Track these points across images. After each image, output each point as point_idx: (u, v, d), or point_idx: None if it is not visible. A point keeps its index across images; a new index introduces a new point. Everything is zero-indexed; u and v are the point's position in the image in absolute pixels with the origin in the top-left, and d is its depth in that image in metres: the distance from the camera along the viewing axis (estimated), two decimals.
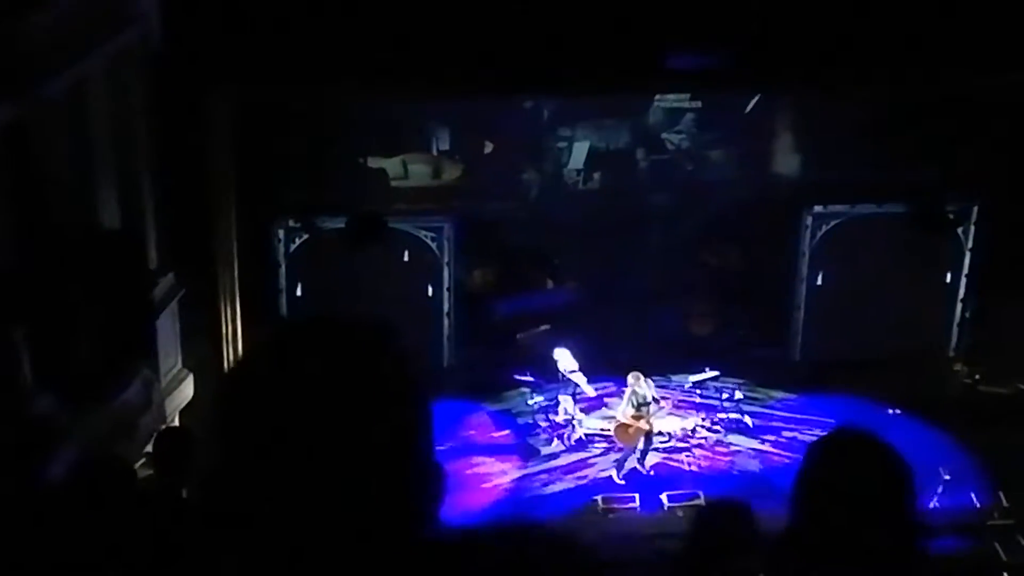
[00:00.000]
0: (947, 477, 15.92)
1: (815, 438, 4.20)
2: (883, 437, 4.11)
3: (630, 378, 17.07)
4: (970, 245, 18.95)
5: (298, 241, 18.01)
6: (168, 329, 14.72)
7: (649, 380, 17.21)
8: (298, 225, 17.88)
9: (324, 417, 2.11)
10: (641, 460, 17.02)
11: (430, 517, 2.23)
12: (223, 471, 2.16)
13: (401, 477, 2.16)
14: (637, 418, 16.86)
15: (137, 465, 10.56)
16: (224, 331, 15.55)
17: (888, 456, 4.06)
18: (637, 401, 16.87)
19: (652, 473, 16.96)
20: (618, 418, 17.06)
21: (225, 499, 2.16)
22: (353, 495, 2.11)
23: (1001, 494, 16.22)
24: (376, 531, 2.14)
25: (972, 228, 18.87)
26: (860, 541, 3.96)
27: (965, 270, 19.12)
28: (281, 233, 17.97)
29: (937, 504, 15.64)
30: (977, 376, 18.87)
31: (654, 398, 17.05)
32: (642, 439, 16.95)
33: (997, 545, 15.29)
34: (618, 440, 17.17)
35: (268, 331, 2.42)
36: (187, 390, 14.91)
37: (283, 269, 18.00)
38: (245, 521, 2.12)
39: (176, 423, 14.45)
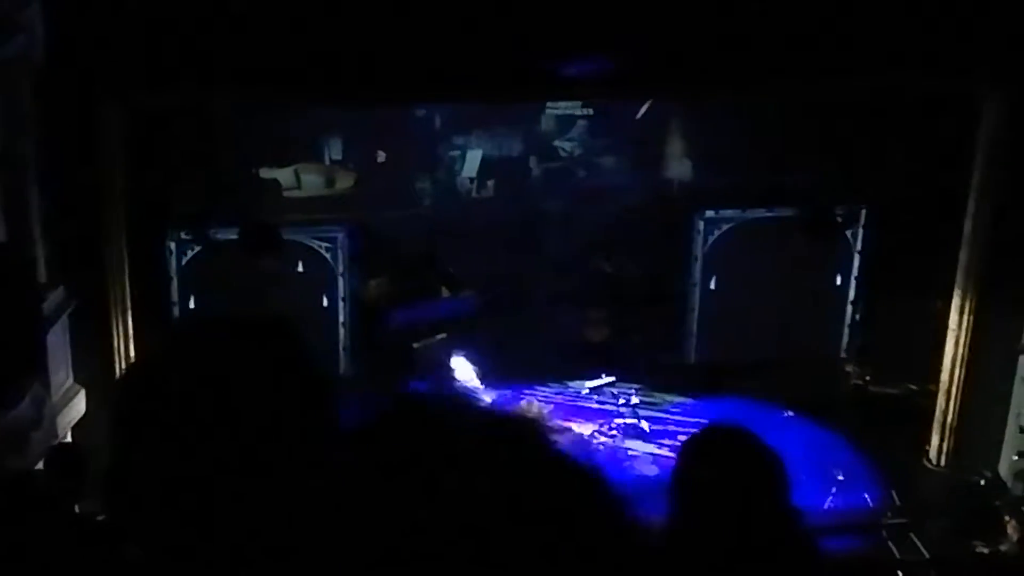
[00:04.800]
0: (841, 477, 16.15)
1: (687, 438, 4.25)
2: (753, 432, 4.15)
3: (523, 403, 17.16)
4: (859, 247, 19.21)
5: (190, 253, 17.81)
6: (59, 344, 14.47)
7: (541, 407, 17.29)
8: (190, 237, 17.69)
9: (223, 414, 2.09)
10: None
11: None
12: (121, 471, 2.12)
13: (304, 475, 2.14)
14: None
15: None
16: (116, 345, 15.33)
17: (756, 449, 4.09)
18: None
19: None
20: None
21: (125, 498, 2.12)
22: (254, 491, 2.09)
23: (894, 493, 16.47)
24: (282, 527, 2.12)
25: (860, 231, 19.13)
26: (734, 535, 4.00)
27: (854, 272, 19.37)
28: (173, 245, 17.77)
29: (832, 504, 15.85)
30: (868, 377, 19.12)
31: None
32: None
33: (891, 544, 15.52)
34: None
35: (166, 330, 2.41)
36: (79, 405, 14.66)
37: (175, 282, 17.80)
38: (147, 524, 2.08)
39: (69, 438, 14.22)
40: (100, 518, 7.82)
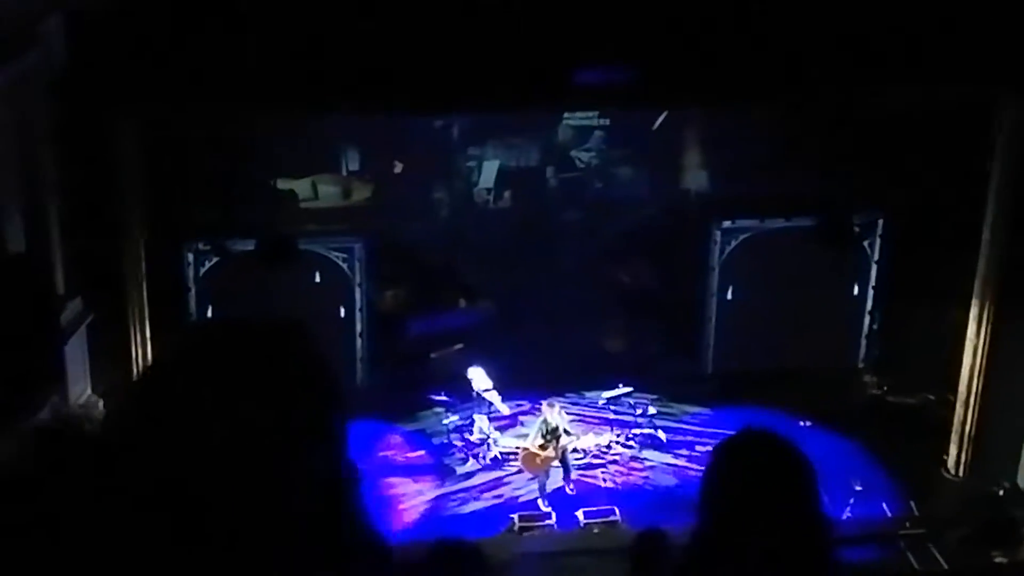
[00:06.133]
0: (859, 488, 16.09)
1: (720, 439, 4.25)
2: (786, 437, 4.15)
3: (544, 406, 17.13)
4: (876, 257, 19.19)
5: (208, 264, 17.86)
6: (77, 354, 14.53)
7: (562, 411, 17.24)
8: (208, 248, 17.73)
9: (233, 416, 2.09)
10: (566, 480, 16.99)
11: (348, 513, 2.21)
12: (133, 471, 2.11)
13: (315, 475, 2.14)
14: (544, 447, 16.82)
15: None
16: (134, 355, 15.37)
17: (790, 453, 4.09)
18: (546, 430, 16.84)
19: (573, 491, 16.91)
20: (526, 447, 17.05)
21: (137, 497, 2.11)
22: (266, 492, 2.08)
23: (912, 503, 16.41)
24: (294, 529, 2.11)
25: (878, 240, 19.11)
26: (764, 539, 3.99)
27: (872, 282, 19.35)
28: (191, 256, 17.81)
29: (850, 514, 15.79)
30: (886, 387, 19.09)
31: (566, 429, 17.01)
32: (555, 465, 16.91)
33: (909, 554, 15.47)
34: (525, 468, 17.12)
35: (178, 333, 2.39)
36: None
37: (193, 292, 17.84)
38: (160, 525, 2.07)
39: None
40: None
